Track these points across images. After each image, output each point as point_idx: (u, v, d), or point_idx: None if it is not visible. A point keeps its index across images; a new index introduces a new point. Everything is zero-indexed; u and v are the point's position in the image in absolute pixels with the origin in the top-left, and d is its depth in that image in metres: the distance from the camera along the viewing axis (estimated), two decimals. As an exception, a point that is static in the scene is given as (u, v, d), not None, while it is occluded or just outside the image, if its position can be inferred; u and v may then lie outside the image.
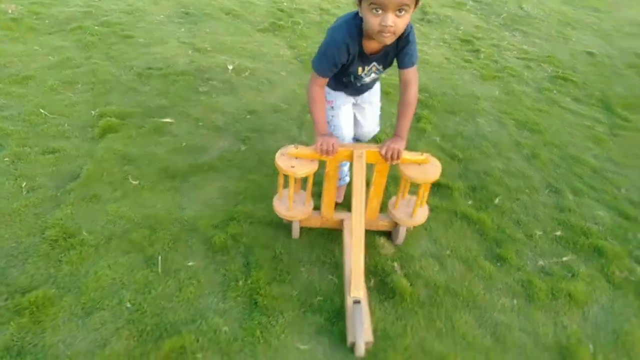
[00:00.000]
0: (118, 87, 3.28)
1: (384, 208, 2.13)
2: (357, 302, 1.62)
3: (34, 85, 3.20)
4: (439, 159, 1.94)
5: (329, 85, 1.92)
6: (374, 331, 1.71)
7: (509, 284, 2.04)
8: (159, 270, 1.94)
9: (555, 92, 3.87)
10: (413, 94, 1.77)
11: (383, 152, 1.76)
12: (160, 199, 2.33)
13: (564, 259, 2.20)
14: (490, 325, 1.85)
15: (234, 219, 2.22)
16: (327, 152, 1.76)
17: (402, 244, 2.09)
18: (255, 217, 2.22)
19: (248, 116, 3.09)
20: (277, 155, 1.82)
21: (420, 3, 1.54)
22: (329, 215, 2.04)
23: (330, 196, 1.97)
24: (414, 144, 2.91)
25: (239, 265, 2.00)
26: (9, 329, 1.66)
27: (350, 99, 2.05)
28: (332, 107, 2.00)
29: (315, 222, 2.08)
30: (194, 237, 2.12)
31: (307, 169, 1.79)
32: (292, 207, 1.92)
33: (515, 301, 1.96)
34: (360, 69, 1.80)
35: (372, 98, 2.10)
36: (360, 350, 1.57)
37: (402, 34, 1.63)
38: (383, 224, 2.08)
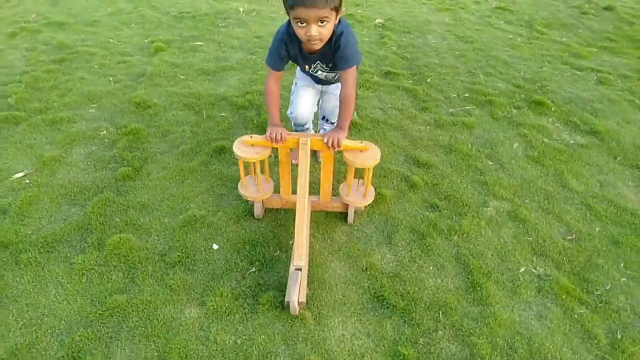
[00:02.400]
0: (161, 25, 4.35)
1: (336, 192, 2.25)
2: (298, 269, 1.72)
3: (101, 26, 4.29)
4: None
5: (300, 68, 2.12)
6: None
7: (426, 120, 3.08)
8: (204, 116, 3.02)
9: (493, 17, 4.83)
10: (348, 92, 1.86)
11: (325, 140, 1.85)
12: (200, 85, 3.40)
13: (467, 107, 3.22)
14: (409, 137, 2.89)
15: (249, 92, 3.28)
16: (277, 140, 1.87)
17: (352, 223, 2.19)
18: (262, 90, 3.28)
19: (255, 39, 4.14)
20: (235, 144, 1.93)
21: (342, 11, 1.68)
22: (287, 196, 2.15)
23: (285, 179, 2.08)
24: (377, 51, 3.93)
25: (253, 114, 3.06)
26: (119, 144, 2.75)
27: (317, 86, 2.22)
28: (296, 84, 2.26)
29: (276, 203, 2.20)
30: (223, 102, 3.19)
31: (259, 155, 1.90)
32: (245, 186, 2.08)
33: (428, 127, 3.00)
34: (306, 66, 1.96)
35: (336, 91, 2.11)
36: (295, 309, 1.70)
37: (334, 36, 1.76)
38: (336, 206, 2.20)
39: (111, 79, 3.43)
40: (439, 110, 3.19)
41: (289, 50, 1.86)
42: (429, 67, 3.72)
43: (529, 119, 3.08)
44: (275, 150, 2.14)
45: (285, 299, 1.73)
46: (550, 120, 3.09)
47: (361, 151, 1.94)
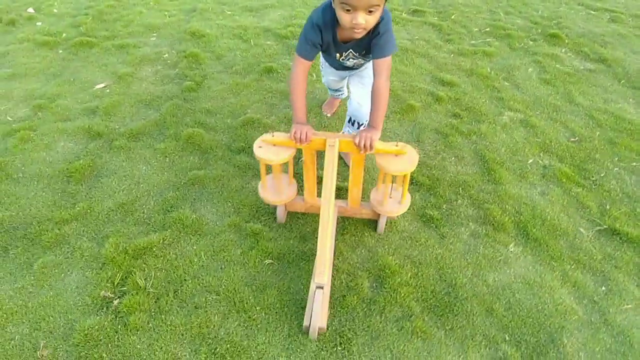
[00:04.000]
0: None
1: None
2: (320, 287, 1.50)
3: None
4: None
5: (323, 55, 1.95)
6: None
7: (450, 49, 3.35)
8: (252, 44, 3.34)
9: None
10: (381, 85, 1.61)
11: (356, 141, 1.60)
12: (246, 19, 3.70)
13: (487, 40, 3.48)
14: (434, 62, 3.17)
15: (290, 25, 3.58)
16: (301, 140, 1.62)
17: (382, 232, 1.92)
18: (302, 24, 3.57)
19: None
20: (255, 143, 1.69)
21: None
22: (311, 200, 1.91)
23: (310, 183, 1.84)
24: (403, -8, 4.16)
25: (295, 43, 3.36)
26: (180, 65, 3.09)
27: (340, 73, 2.06)
28: (322, 67, 2.18)
29: (300, 207, 1.96)
30: (268, 33, 3.49)
31: (283, 156, 1.65)
32: (266, 188, 1.83)
33: (452, 55, 3.27)
34: (337, 54, 1.76)
35: (364, 75, 1.99)
36: (314, 334, 1.49)
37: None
38: (366, 213, 1.94)
39: (166, 13, 3.75)
40: (461, 41, 3.45)
41: (323, 37, 1.63)
42: (452, 6, 3.95)
43: (544, 49, 3.33)
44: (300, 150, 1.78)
45: (304, 323, 1.51)
46: (563, 50, 3.34)
47: (396, 155, 1.65)
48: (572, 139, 2.50)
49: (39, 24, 3.53)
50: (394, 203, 1.81)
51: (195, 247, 1.85)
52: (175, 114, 2.59)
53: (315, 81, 2.89)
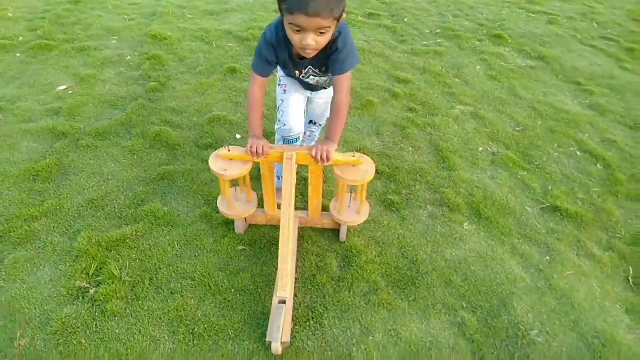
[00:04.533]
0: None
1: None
2: (282, 302, 1.48)
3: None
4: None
5: (284, 71, 1.79)
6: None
7: (404, 49, 3.52)
8: (214, 46, 3.39)
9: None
10: (341, 99, 1.58)
11: (313, 153, 1.59)
12: (207, 22, 3.75)
13: (438, 41, 3.67)
14: (390, 62, 3.33)
15: (251, 28, 3.65)
16: (258, 154, 1.61)
17: (344, 240, 1.91)
18: (263, 27, 3.66)
19: (252, -13, 4.48)
20: (211, 158, 1.67)
21: (343, 17, 1.43)
22: (272, 213, 1.89)
23: (270, 195, 1.82)
24: (359, -3, 4.32)
25: (254, 45, 3.44)
26: (144, 66, 3.11)
27: (306, 92, 1.88)
28: (284, 92, 1.84)
29: (261, 219, 1.94)
30: (229, 36, 3.55)
31: (239, 171, 1.63)
32: (232, 207, 1.78)
33: (406, 55, 3.44)
34: (297, 72, 1.67)
35: (327, 97, 1.84)
36: (277, 350, 1.42)
37: (329, 42, 1.47)
38: (327, 222, 1.93)
39: (126, 17, 3.75)
40: (414, 42, 3.63)
41: (278, 55, 1.58)
42: (405, 10, 4.15)
43: (490, 49, 3.56)
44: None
45: (267, 338, 1.47)
46: (506, 49, 3.58)
47: (353, 165, 1.67)
48: (517, 129, 2.70)
49: (-7, 27, 3.45)
50: (353, 212, 1.82)
51: (168, 238, 1.89)
52: (141, 114, 2.61)
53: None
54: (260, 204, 1.92)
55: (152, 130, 2.46)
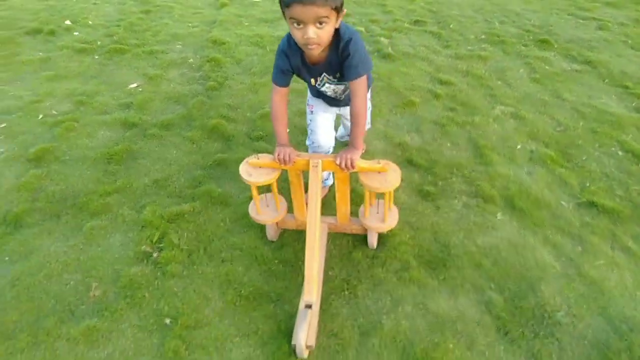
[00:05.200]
0: (223, -13, 4.96)
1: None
2: (308, 306, 1.51)
3: (174, -13, 4.93)
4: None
5: (310, 91, 1.91)
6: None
7: (448, 54, 3.60)
8: (267, 50, 3.62)
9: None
10: (358, 105, 1.61)
11: (338, 161, 1.62)
12: (262, 29, 3.99)
13: (482, 46, 3.73)
14: (434, 65, 3.42)
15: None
16: (285, 162, 1.65)
17: (374, 247, 1.91)
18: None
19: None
20: (241, 166, 1.71)
21: (343, 13, 1.47)
22: (302, 218, 1.91)
23: (298, 201, 1.85)
24: (407, 6, 4.44)
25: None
26: (204, 68, 3.37)
27: (333, 109, 1.95)
28: (312, 112, 1.94)
29: (291, 224, 1.97)
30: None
31: (265, 178, 1.68)
32: (260, 211, 1.81)
33: (449, 59, 3.52)
34: (312, 80, 1.71)
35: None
36: (301, 353, 1.47)
37: (341, 43, 1.54)
38: (356, 228, 1.93)
39: (189, 24, 4.07)
40: (459, 47, 3.71)
41: (291, 62, 1.63)
42: (451, 17, 4.23)
43: (535, 53, 3.57)
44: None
45: (292, 341, 1.48)
46: (552, 54, 3.58)
47: (379, 172, 1.67)
48: (558, 129, 2.72)
49: (76, 33, 3.86)
50: (381, 218, 1.80)
51: (220, 215, 2.09)
52: (201, 108, 2.86)
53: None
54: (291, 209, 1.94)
55: (210, 123, 2.70)
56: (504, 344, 1.59)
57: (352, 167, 1.62)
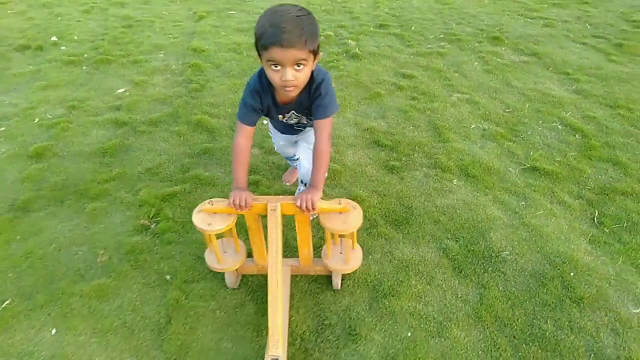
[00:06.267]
0: (201, 1, 5.24)
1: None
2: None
3: (153, 3, 5.19)
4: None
5: (271, 123, 1.93)
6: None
7: (410, 52, 3.93)
8: (245, 55, 3.90)
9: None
10: (323, 144, 1.58)
11: (298, 203, 1.53)
12: (239, 38, 4.28)
13: (441, 44, 4.08)
14: (397, 62, 3.74)
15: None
16: (241, 207, 1.55)
17: (339, 288, 1.81)
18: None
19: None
20: (194, 213, 1.59)
21: (320, 56, 1.47)
22: (263, 262, 1.81)
23: (258, 246, 1.75)
24: (372, 12, 4.79)
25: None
26: (186, 73, 3.63)
27: (288, 137, 1.98)
28: (271, 132, 2.11)
29: (252, 269, 1.85)
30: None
31: (225, 224, 1.56)
32: (221, 260, 1.69)
33: (411, 56, 3.85)
34: (280, 116, 1.72)
35: (310, 139, 1.83)
36: None
37: (313, 84, 1.54)
38: (319, 269, 1.84)
39: (170, 36, 4.33)
40: (419, 46, 4.05)
41: (262, 101, 1.60)
42: (413, 20, 4.59)
43: (487, 48, 3.94)
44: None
45: None
46: (503, 48, 3.95)
47: (340, 212, 1.58)
48: (507, 110, 3.05)
49: (63, 47, 4.07)
50: (344, 259, 1.71)
51: (209, 193, 2.33)
52: (185, 107, 3.10)
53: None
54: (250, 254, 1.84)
55: (195, 118, 2.94)
56: (458, 278, 1.86)
57: (313, 208, 1.53)
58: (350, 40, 4.07)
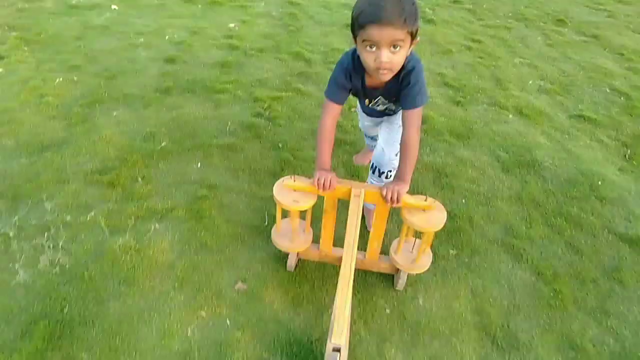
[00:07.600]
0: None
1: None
2: (336, 349, 1.21)
3: None
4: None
5: (360, 104, 1.80)
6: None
7: (480, 24, 4.31)
8: (333, 11, 4.39)
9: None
10: (411, 136, 1.49)
11: (383, 193, 1.47)
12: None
13: (509, 21, 4.42)
14: (467, 30, 4.13)
15: (360, 3, 4.63)
16: (324, 187, 1.49)
17: (402, 289, 1.72)
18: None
19: None
20: (275, 187, 1.53)
21: (416, 41, 1.36)
22: (327, 250, 1.73)
23: (328, 231, 1.67)
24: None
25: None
26: (284, 19, 4.16)
27: (374, 119, 1.88)
28: (357, 110, 1.97)
29: (314, 255, 1.77)
30: (346, 6, 4.55)
31: (309, 203, 1.51)
32: (295, 239, 1.64)
33: (480, 27, 4.23)
34: (367, 100, 1.65)
35: (394, 121, 1.75)
36: None
37: (403, 71, 1.44)
38: (384, 267, 1.74)
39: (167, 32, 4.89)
40: (489, 20, 4.41)
41: (352, 81, 1.52)
42: (484, 0, 4.95)
43: (551, 27, 4.25)
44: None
45: None
46: (565, 29, 4.25)
47: (423, 210, 1.51)
48: (563, 75, 3.41)
49: (180, -10, 4.70)
50: (413, 259, 1.62)
51: (308, 101, 2.84)
52: (285, 42, 3.64)
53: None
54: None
55: (294, 50, 3.47)
56: (506, 175, 2.31)
57: (398, 201, 1.46)
58: (427, 9, 4.48)
